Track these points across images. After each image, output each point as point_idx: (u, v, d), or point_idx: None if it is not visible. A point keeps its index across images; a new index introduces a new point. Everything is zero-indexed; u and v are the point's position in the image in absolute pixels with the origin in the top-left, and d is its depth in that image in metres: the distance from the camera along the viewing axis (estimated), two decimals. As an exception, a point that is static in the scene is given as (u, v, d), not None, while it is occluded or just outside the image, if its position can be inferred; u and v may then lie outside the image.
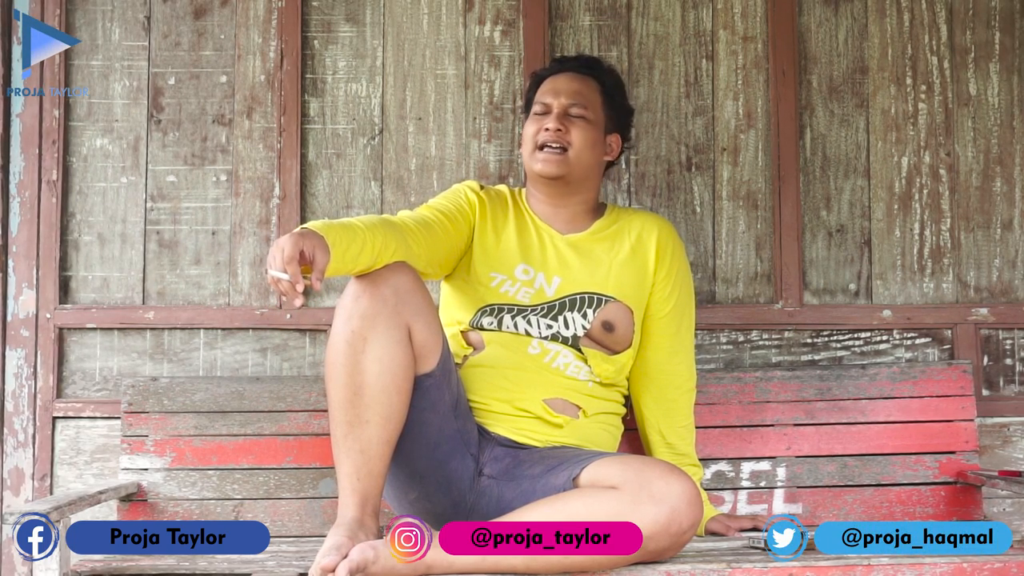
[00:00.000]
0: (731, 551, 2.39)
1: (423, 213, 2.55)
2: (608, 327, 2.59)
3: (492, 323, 2.58)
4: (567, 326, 2.58)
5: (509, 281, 2.61)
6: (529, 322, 2.57)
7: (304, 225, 2.20)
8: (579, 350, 2.57)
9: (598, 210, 2.73)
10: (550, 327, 2.57)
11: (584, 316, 2.59)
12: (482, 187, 2.69)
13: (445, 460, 2.42)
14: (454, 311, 2.62)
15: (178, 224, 3.07)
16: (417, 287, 2.33)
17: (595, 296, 2.60)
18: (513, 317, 2.57)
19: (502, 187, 2.74)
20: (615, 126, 2.72)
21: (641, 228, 2.68)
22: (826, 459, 2.86)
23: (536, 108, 2.65)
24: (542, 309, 2.59)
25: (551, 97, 2.64)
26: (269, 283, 2.12)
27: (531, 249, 2.64)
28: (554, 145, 2.60)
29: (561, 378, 2.55)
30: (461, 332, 2.60)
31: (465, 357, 2.57)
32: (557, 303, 2.59)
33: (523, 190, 2.74)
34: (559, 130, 2.60)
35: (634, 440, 2.79)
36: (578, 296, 2.60)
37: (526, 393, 2.52)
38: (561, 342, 2.57)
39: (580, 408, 2.56)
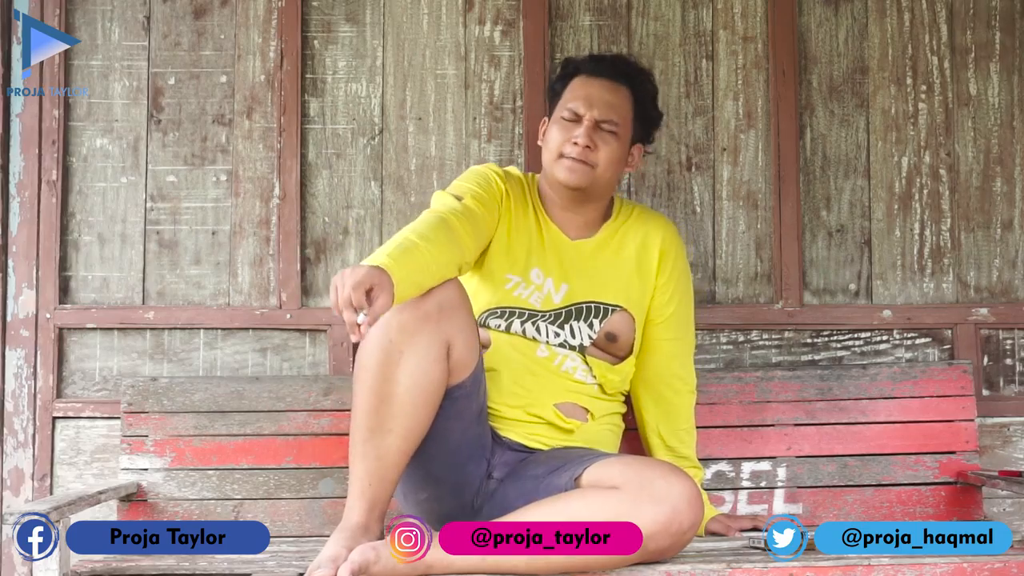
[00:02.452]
0: (731, 551, 2.39)
1: (468, 205, 2.47)
2: (611, 338, 2.58)
3: (500, 324, 2.56)
4: (573, 335, 2.56)
5: (523, 284, 2.58)
6: (538, 328, 2.55)
7: (374, 260, 2.12)
8: (584, 356, 2.57)
9: (607, 211, 2.69)
10: (558, 335, 2.56)
11: (590, 327, 2.57)
12: (503, 172, 2.63)
13: (463, 465, 2.40)
14: None
15: (178, 224, 3.06)
16: (462, 303, 2.30)
17: (600, 306, 2.59)
18: (523, 323, 2.55)
19: (514, 170, 2.68)
20: (640, 136, 2.65)
21: (646, 233, 2.65)
22: (826, 459, 2.85)
23: (565, 114, 2.56)
24: (550, 316, 2.56)
25: (584, 107, 2.55)
26: (332, 301, 2.05)
27: (542, 252, 2.61)
28: (579, 158, 2.54)
29: (570, 381, 2.54)
30: None
31: None
32: (564, 311, 2.57)
33: (535, 178, 2.69)
34: (588, 147, 2.53)
35: (634, 440, 2.79)
36: (584, 305, 2.58)
37: (538, 399, 2.51)
38: (569, 348, 2.57)
39: (588, 411, 2.55)
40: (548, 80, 2.74)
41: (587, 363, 2.56)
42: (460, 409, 2.34)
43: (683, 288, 2.68)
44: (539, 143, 2.66)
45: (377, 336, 2.20)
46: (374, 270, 2.06)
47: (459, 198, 2.48)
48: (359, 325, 2.03)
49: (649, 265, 2.64)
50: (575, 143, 2.53)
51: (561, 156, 2.55)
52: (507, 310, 2.56)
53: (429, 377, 2.22)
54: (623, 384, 2.63)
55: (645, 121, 2.65)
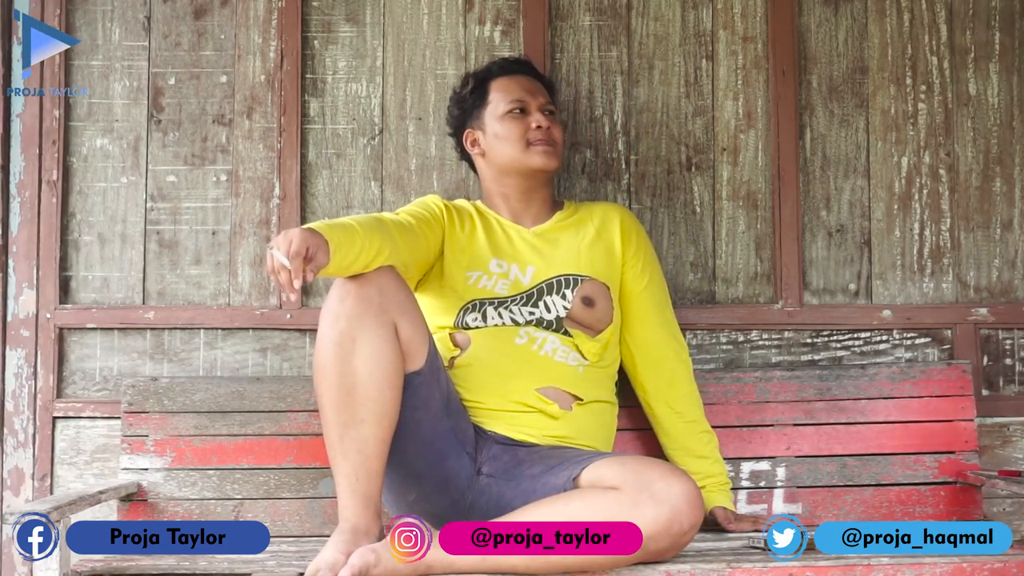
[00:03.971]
0: (731, 551, 2.39)
1: (403, 218, 2.58)
2: (588, 302, 2.64)
3: (476, 319, 2.60)
4: (548, 310, 2.62)
5: (485, 276, 2.65)
6: (512, 311, 2.60)
7: (309, 225, 2.22)
8: (564, 333, 2.60)
9: (556, 204, 2.82)
10: (532, 313, 2.61)
11: (563, 297, 2.63)
12: (443, 200, 2.76)
13: (441, 459, 2.42)
14: (436, 317, 2.64)
15: (178, 224, 3.07)
16: (401, 286, 2.37)
17: (571, 277, 2.66)
18: (496, 308, 2.60)
19: (461, 201, 2.80)
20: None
21: (603, 215, 2.77)
22: (826, 459, 2.86)
23: (510, 109, 2.71)
24: (521, 298, 2.63)
25: (528, 96, 2.73)
26: (267, 268, 2.14)
27: (501, 245, 2.70)
28: (547, 141, 2.69)
29: (551, 364, 2.57)
30: (449, 334, 2.61)
31: (452, 359, 2.58)
32: (535, 290, 2.64)
33: (478, 202, 2.81)
34: (549, 128, 2.71)
35: (630, 441, 2.80)
36: (555, 279, 2.65)
37: (519, 385, 2.54)
38: (545, 327, 2.59)
39: (574, 396, 2.57)
40: (456, 98, 2.81)
41: (567, 340, 2.60)
42: (424, 398, 2.37)
43: (653, 262, 2.78)
44: (478, 154, 2.77)
45: (327, 331, 2.27)
46: (307, 233, 2.15)
47: (396, 214, 2.60)
48: (292, 278, 2.10)
49: (612, 240, 2.73)
50: (538, 127, 2.69)
51: (530, 144, 2.69)
52: (477, 302, 2.62)
53: (387, 358, 2.27)
54: (604, 352, 2.65)
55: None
